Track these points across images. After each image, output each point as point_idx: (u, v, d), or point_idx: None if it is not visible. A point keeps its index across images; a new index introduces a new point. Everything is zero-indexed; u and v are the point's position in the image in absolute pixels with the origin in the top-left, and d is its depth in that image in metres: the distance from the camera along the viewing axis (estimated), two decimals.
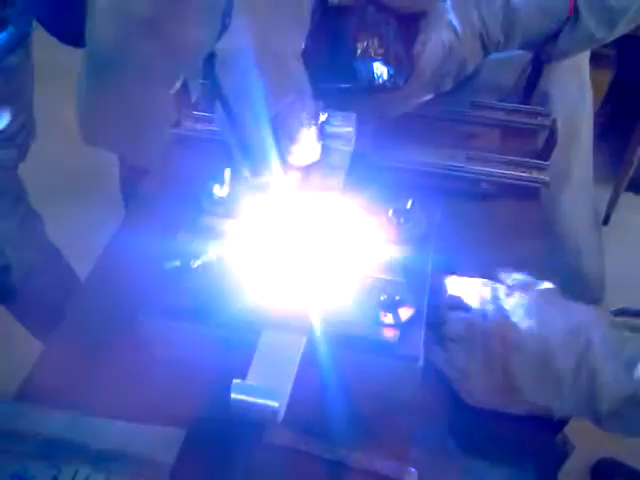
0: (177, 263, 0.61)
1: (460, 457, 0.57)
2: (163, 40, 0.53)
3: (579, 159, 1.03)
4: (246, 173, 0.62)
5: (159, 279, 0.60)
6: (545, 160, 0.80)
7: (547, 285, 0.59)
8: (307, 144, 0.62)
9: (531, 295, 0.58)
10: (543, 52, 0.82)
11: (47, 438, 0.57)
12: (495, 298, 0.58)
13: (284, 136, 0.60)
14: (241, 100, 0.56)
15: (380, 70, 0.73)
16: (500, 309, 0.57)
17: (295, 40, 0.59)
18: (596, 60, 1.01)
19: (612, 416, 0.52)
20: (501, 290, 0.59)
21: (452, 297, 0.61)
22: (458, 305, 0.60)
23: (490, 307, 0.57)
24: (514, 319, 0.56)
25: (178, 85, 0.80)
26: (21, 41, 0.90)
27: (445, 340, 0.59)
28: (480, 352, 0.56)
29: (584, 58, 0.98)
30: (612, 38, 0.80)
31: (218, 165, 0.67)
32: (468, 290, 0.60)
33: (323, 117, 0.68)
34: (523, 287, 0.59)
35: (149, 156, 0.86)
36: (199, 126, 0.84)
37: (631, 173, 1.93)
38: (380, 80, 0.73)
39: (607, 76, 1.92)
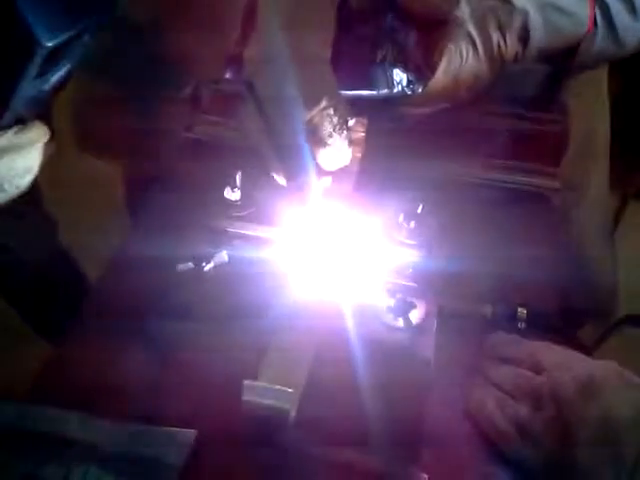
0: (189, 265, 0.61)
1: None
2: (164, 50, 0.52)
3: (596, 172, 1.02)
4: (280, 177, 0.62)
5: (171, 281, 0.60)
6: (556, 166, 0.80)
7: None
8: (339, 149, 0.62)
9: (593, 364, 0.56)
10: (561, 65, 0.81)
11: (58, 438, 0.57)
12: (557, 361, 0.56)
13: (316, 141, 0.61)
14: (276, 105, 0.57)
15: (399, 77, 0.73)
16: (561, 371, 0.55)
17: (324, 45, 0.59)
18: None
19: None
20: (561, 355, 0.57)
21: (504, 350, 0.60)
22: (511, 359, 0.59)
23: (552, 369, 0.56)
24: (578, 385, 0.53)
25: (189, 90, 0.80)
26: (72, 74, 0.90)
27: (499, 391, 0.58)
28: (546, 411, 0.54)
29: (603, 70, 0.98)
30: (630, 54, 0.80)
31: (230, 168, 0.67)
32: (528, 349, 0.59)
33: (352, 122, 0.68)
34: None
35: (159, 164, 0.85)
36: (211, 130, 0.85)
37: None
38: (399, 87, 0.73)
39: (617, 83, 1.92)
